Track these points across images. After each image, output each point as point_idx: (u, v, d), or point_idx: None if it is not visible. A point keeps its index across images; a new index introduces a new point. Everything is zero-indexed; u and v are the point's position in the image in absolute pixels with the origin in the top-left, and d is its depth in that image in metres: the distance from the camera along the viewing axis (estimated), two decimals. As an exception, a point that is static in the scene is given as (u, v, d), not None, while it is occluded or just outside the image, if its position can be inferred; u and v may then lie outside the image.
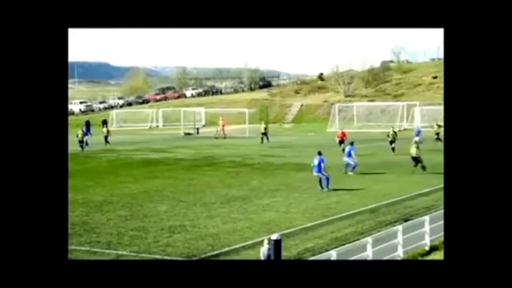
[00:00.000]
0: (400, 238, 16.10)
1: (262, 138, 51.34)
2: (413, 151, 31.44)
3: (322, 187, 26.27)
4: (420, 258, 16.22)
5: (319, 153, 26.88)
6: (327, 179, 26.36)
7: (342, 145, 41.22)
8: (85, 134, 48.39)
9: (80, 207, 22.93)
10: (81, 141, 46.78)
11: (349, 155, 31.49)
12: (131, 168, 35.57)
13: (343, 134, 44.86)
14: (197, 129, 65.98)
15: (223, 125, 59.74)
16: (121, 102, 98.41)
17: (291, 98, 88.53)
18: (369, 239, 15.21)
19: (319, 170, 26.40)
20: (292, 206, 23.10)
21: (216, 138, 57.32)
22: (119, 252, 16.98)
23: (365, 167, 32.60)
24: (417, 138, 39.41)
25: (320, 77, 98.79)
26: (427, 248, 17.03)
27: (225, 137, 57.43)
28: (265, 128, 51.86)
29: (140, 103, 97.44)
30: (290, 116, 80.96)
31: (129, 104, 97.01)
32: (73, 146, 37.93)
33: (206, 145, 50.21)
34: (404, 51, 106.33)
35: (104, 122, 69.73)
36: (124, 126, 78.33)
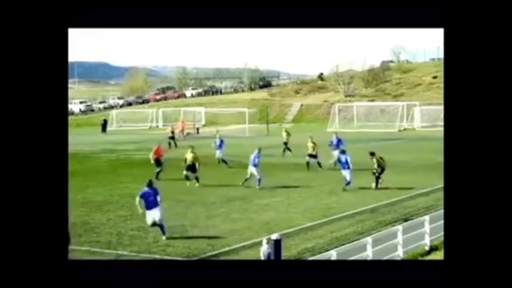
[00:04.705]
0: (400, 238, 16.11)
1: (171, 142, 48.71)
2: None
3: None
4: (420, 258, 16.23)
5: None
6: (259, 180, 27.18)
7: (160, 167, 30.51)
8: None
9: (80, 207, 22.93)
10: None
11: (346, 164, 26.63)
12: (131, 168, 35.55)
13: (159, 150, 31.67)
14: (197, 129, 65.88)
15: (183, 127, 57.28)
16: (121, 102, 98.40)
17: (291, 98, 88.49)
18: (369, 239, 15.22)
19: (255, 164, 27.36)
20: (292, 206, 23.10)
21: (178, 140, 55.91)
22: (119, 252, 16.98)
23: (365, 166, 32.54)
24: (218, 152, 37.05)
25: (320, 77, 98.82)
26: (427, 248, 17.05)
27: (184, 139, 54.47)
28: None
29: (140, 103, 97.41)
30: (290, 116, 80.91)
31: (129, 104, 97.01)
32: (73, 146, 37.87)
33: (206, 145, 50.09)
34: (404, 51, 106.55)
35: None
36: (124, 126, 78.29)
